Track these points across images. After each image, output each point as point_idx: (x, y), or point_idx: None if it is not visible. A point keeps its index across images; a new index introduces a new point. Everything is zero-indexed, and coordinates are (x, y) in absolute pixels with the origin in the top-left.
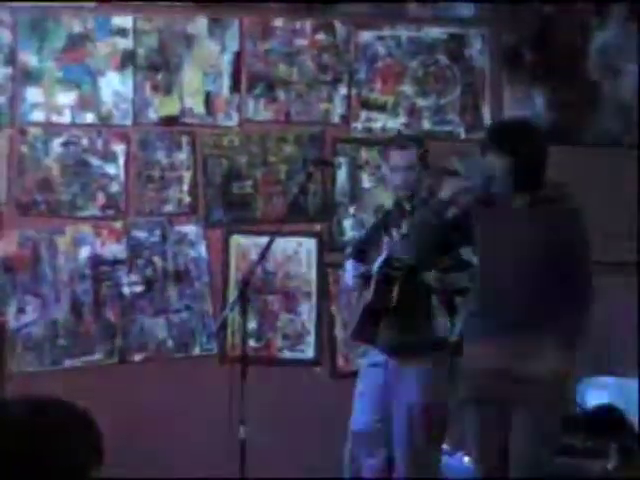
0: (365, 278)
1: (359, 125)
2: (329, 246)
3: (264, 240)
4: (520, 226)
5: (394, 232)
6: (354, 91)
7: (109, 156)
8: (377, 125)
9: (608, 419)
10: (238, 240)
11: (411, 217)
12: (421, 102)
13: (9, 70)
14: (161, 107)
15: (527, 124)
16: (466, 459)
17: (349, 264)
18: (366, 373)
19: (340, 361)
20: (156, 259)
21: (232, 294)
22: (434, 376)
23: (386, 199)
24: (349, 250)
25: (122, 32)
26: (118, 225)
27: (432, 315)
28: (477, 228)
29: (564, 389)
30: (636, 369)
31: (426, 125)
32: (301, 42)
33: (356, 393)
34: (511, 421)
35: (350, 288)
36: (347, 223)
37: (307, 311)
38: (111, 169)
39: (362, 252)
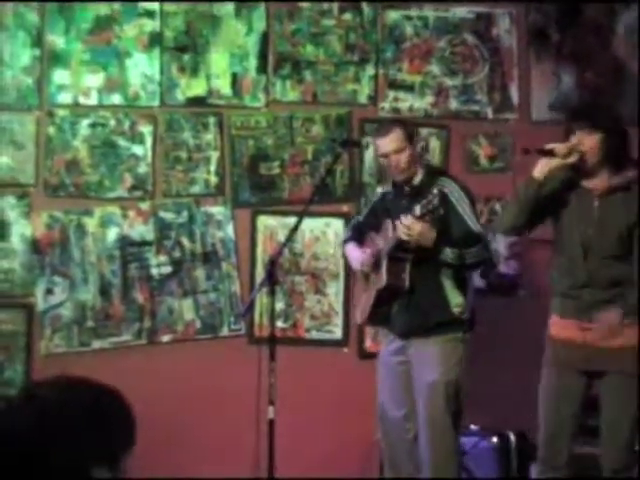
0: (374, 262)
1: (386, 105)
2: None
3: (291, 221)
4: (598, 211)
5: (408, 214)
6: (381, 71)
7: (136, 137)
8: (404, 105)
9: None
10: (265, 221)
11: (414, 199)
12: (448, 82)
13: (37, 52)
14: (188, 88)
15: (611, 106)
16: (494, 439)
17: (351, 248)
18: (385, 361)
19: (367, 341)
20: (184, 240)
21: (260, 275)
22: (452, 354)
23: None
24: (348, 233)
25: (149, 14)
26: (146, 206)
27: (445, 294)
28: (562, 209)
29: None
30: None
31: (453, 105)
32: (328, 22)
33: (378, 380)
34: (586, 392)
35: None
36: None
37: (334, 292)
38: (138, 150)
39: (361, 235)
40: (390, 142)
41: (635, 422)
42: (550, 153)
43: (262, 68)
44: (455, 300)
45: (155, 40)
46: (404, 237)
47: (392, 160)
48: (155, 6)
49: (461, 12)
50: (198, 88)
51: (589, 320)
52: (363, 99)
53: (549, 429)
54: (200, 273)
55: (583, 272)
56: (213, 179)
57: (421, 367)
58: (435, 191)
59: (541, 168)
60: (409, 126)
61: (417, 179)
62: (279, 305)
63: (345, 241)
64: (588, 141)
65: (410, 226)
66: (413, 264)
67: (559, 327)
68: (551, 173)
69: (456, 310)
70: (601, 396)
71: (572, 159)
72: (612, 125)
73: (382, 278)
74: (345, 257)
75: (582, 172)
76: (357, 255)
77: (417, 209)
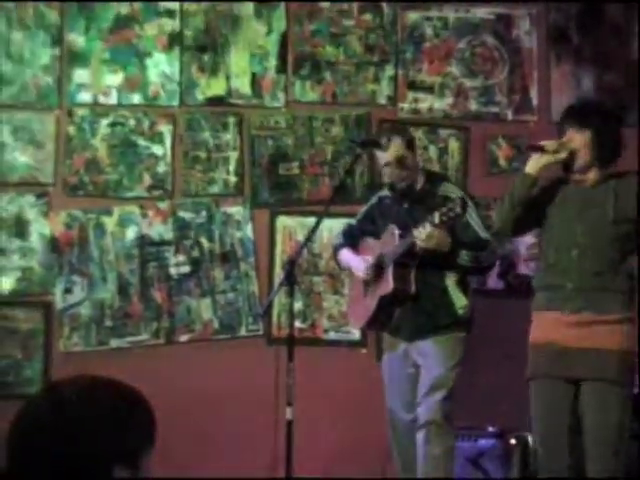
0: (377, 268)
1: (406, 106)
2: None
3: (310, 221)
4: (589, 204)
5: (426, 223)
6: (401, 72)
7: (156, 137)
8: (424, 106)
9: None
10: (284, 221)
11: (416, 204)
12: (468, 83)
13: (57, 51)
14: (207, 88)
15: (604, 104)
16: (512, 440)
17: (348, 255)
18: (391, 365)
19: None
20: (202, 240)
21: (278, 275)
22: (455, 353)
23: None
24: (340, 239)
25: (169, 13)
26: (164, 206)
27: (449, 296)
28: (551, 206)
29: (629, 362)
30: None
31: (473, 106)
32: (348, 23)
33: (385, 385)
34: (577, 397)
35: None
36: None
37: None
38: (158, 150)
39: (354, 240)
40: (391, 152)
41: (620, 431)
42: (540, 149)
43: (282, 68)
44: (460, 302)
45: (175, 40)
46: (422, 245)
47: (391, 170)
48: (175, 6)
49: (481, 13)
50: (218, 88)
51: (571, 311)
52: (382, 100)
53: (543, 444)
54: (218, 273)
55: (570, 260)
56: (232, 179)
57: (425, 364)
58: (457, 199)
59: (533, 164)
60: (408, 133)
61: (419, 185)
62: (297, 305)
63: (337, 247)
64: (578, 138)
65: (430, 234)
66: (418, 268)
67: (539, 328)
68: (542, 170)
69: (461, 311)
70: (581, 404)
71: (562, 156)
72: (602, 123)
73: (388, 283)
74: (338, 263)
75: (573, 170)
76: (358, 262)
77: (435, 217)
